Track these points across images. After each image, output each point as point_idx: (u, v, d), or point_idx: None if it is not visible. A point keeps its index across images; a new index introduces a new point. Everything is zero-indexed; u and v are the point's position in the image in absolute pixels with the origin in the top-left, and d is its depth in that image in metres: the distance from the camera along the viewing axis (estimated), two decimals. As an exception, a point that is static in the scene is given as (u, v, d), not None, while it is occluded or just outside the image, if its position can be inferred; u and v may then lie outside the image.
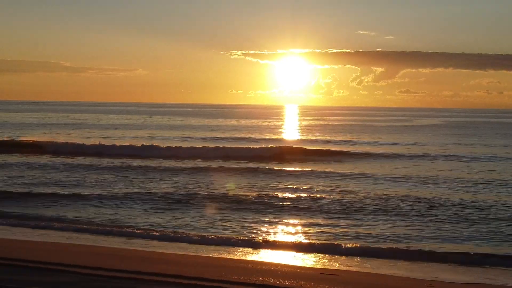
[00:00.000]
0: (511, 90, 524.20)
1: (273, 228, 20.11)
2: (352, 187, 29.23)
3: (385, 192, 27.59)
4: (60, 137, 57.94)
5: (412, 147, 54.48)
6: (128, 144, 48.09)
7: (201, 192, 26.21)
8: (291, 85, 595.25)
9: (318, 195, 26.29)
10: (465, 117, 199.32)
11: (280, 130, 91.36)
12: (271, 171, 34.41)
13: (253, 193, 26.08)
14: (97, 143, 47.75)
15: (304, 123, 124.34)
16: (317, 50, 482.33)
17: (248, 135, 75.37)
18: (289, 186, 28.69)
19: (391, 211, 22.96)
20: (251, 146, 46.96)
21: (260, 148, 45.33)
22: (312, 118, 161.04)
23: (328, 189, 28.51)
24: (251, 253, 16.91)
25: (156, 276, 12.43)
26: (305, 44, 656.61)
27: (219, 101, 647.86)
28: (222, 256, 16.34)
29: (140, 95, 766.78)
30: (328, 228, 19.93)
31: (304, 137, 68.18)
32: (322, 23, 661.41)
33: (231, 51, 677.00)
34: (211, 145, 50.10)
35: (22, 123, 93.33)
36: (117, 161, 39.09)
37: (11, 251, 14.61)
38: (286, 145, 50.03)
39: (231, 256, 16.33)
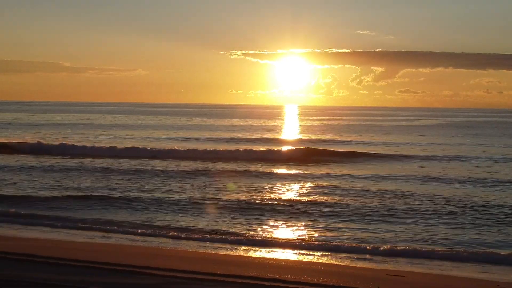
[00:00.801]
0: (511, 89, 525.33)
1: (332, 231, 20.03)
2: (391, 188, 29.03)
3: (428, 193, 27.63)
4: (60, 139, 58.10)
5: (429, 148, 54.62)
6: (153, 146, 48.23)
7: (257, 197, 25.85)
8: (291, 85, 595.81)
9: (362, 198, 26.29)
10: (467, 116, 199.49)
11: (291, 130, 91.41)
12: (311, 176, 33.70)
13: (304, 198, 25.85)
14: (109, 146, 47.55)
15: (310, 123, 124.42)
16: (317, 50, 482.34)
17: (259, 135, 75.52)
18: (331, 191, 28.18)
19: (440, 213, 23.02)
20: (281, 149, 46.23)
21: (289, 150, 44.86)
22: (317, 118, 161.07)
23: (366, 190, 28.46)
24: (315, 256, 17.02)
25: (235, 277, 12.55)
26: (305, 44, 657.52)
27: (219, 101, 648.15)
28: (294, 259, 16.59)
29: (140, 95, 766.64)
30: (387, 232, 19.89)
31: (318, 138, 68.13)
32: (322, 23, 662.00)
33: (231, 51, 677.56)
34: (227, 146, 50.24)
35: (25, 124, 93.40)
36: (163, 164, 38.52)
37: (94, 254, 14.75)
38: (309, 146, 49.41)
39: (300, 259, 16.52)
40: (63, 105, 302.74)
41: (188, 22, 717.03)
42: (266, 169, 36.62)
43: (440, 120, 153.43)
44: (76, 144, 48.81)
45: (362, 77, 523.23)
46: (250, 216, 21.90)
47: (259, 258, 16.04)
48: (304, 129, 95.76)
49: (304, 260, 16.33)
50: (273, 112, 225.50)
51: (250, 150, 45.07)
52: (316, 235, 19.26)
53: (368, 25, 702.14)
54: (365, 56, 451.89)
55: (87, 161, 40.02)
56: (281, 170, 36.72)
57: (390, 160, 42.23)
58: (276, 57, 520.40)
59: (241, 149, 46.03)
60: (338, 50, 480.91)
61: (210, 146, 51.16)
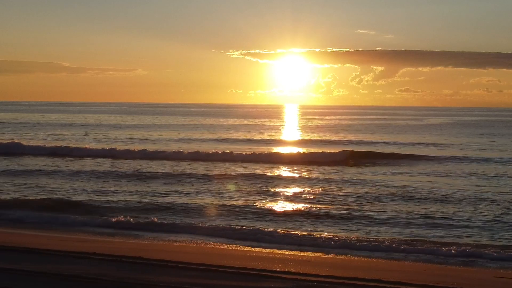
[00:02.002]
0: (511, 88, 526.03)
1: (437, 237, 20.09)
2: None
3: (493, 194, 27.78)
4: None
5: (455, 149, 54.80)
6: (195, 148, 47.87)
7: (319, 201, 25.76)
8: (291, 84, 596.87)
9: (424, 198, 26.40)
10: (471, 115, 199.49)
11: (304, 131, 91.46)
12: (373, 179, 32.95)
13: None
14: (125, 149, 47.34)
15: (320, 123, 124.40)
16: (317, 50, 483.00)
17: (278, 136, 75.86)
18: (388, 192, 28.01)
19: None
20: (324, 151, 45.23)
21: (334, 153, 43.90)
22: (324, 118, 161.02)
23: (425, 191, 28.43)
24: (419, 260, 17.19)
25: (376, 282, 12.74)
26: (304, 43, 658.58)
27: (219, 100, 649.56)
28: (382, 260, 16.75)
29: (140, 95, 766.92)
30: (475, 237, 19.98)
31: (339, 139, 67.93)
32: (321, 22, 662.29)
33: (230, 51, 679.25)
34: (248, 147, 50.32)
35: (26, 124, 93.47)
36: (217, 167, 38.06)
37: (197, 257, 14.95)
38: (347, 148, 48.52)
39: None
40: (61, 105, 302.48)
41: (187, 22, 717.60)
42: (324, 173, 35.69)
43: (447, 119, 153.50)
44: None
45: (362, 76, 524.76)
46: (350, 223, 21.62)
47: (382, 262, 16.21)
48: (318, 129, 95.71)
49: (418, 263, 16.47)
50: (276, 112, 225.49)
51: (294, 154, 44.53)
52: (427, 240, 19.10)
53: (368, 24, 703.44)
54: (365, 55, 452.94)
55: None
56: (340, 173, 35.72)
57: (433, 161, 41.64)
58: (276, 56, 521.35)
59: (286, 152, 45.56)
60: (338, 49, 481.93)
61: (241, 148, 51.28)
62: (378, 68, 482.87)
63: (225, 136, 72.90)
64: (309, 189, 29.00)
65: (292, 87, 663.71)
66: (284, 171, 36.59)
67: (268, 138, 70.89)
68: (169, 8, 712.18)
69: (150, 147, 51.27)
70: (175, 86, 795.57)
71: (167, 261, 14.05)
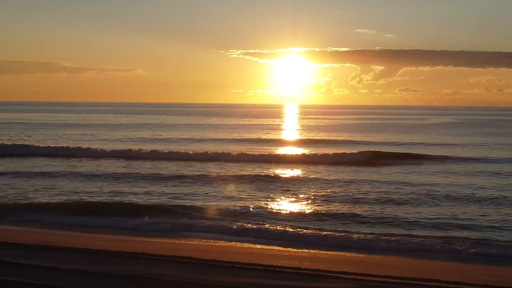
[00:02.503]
0: (511, 87, 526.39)
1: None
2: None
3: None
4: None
5: (467, 148, 54.74)
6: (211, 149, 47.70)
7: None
8: (291, 84, 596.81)
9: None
10: (473, 115, 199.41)
11: (312, 131, 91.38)
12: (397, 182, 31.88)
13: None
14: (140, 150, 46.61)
15: (325, 122, 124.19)
16: (317, 49, 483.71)
17: (286, 136, 75.83)
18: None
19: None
20: (346, 152, 44.65)
21: (351, 154, 43.49)
22: (328, 117, 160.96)
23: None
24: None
25: (409, 280, 12.72)
26: (304, 43, 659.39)
27: (219, 100, 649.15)
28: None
29: (140, 95, 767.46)
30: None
31: (348, 139, 67.58)
32: (321, 22, 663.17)
33: (230, 51, 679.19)
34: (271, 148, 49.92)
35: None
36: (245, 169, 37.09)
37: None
38: (373, 149, 47.80)
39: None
40: (64, 105, 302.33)
41: (187, 22, 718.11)
42: (348, 174, 35.11)
43: (450, 119, 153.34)
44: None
45: (362, 76, 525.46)
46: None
47: (437, 263, 16.17)
48: (325, 129, 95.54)
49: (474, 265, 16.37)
50: (279, 112, 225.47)
51: (316, 155, 43.74)
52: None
53: (368, 24, 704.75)
54: (364, 55, 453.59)
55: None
56: (365, 174, 35.16)
57: (456, 162, 41.23)
58: (276, 56, 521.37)
59: (309, 153, 44.92)
60: (337, 49, 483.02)
61: (257, 149, 51.15)
62: (378, 68, 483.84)
63: (235, 136, 72.79)
64: (337, 190, 28.62)
65: (292, 87, 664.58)
66: (308, 172, 35.80)
67: (280, 138, 70.40)
68: (169, 8, 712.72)
69: (171, 147, 51.12)
70: (175, 86, 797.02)
71: (222, 261, 14.03)
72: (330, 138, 68.18)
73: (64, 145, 49.41)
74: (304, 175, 34.44)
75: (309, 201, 25.68)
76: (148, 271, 12.62)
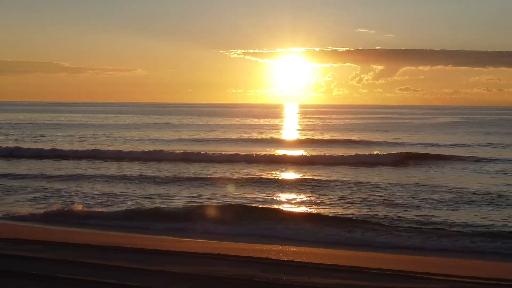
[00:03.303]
0: (511, 87, 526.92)
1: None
2: None
3: None
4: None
5: (489, 149, 54.52)
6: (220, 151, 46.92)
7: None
8: (291, 83, 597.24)
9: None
10: (477, 114, 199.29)
11: (322, 131, 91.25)
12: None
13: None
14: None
15: (332, 122, 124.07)
16: (317, 49, 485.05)
17: (304, 136, 75.78)
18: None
19: None
20: (378, 153, 43.68)
21: (385, 155, 42.71)
22: (332, 117, 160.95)
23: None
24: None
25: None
26: (304, 42, 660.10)
27: (219, 100, 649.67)
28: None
29: (140, 95, 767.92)
30: None
31: (364, 139, 66.94)
32: (321, 21, 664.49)
33: (230, 50, 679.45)
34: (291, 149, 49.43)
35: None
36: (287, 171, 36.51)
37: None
38: (405, 150, 46.86)
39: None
40: (66, 105, 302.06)
41: (187, 22, 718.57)
42: (387, 175, 34.50)
43: (456, 118, 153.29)
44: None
45: (362, 76, 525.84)
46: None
47: None
48: (337, 129, 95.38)
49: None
50: (287, 111, 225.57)
51: (357, 155, 42.80)
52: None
53: (368, 24, 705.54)
54: (364, 55, 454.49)
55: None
56: (405, 175, 34.54)
57: (490, 163, 40.81)
58: (276, 56, 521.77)
59: (342, 154, 43.96)
60: (337, 48, 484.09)
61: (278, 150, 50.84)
62: (378, 67, 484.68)
63: (260, 136, 72.89)
64: (384, 193, 28.06)
65: (292, 87, 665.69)
66: (347, 174, 34.98)
67: (303, 138, 69.65)
68: (169, 8, 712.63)
69: (201, 148, 51.06)
70: (175, 86, 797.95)
71: (302, 262, 13.96)
72: (346, 138, 67.22)
73: (105, 148, 48.74)
74: (356, 179, 32.91)
75: (378, 205, 24.89)
76: (238, 272, 12.54)
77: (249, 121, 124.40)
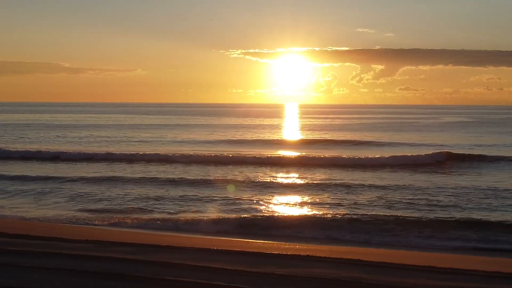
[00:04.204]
0: (511, 86, 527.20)
1: None
2: None
3: None
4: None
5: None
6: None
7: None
8: (291, 83, 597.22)
9: None
10: (481, 113, 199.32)
11: (334, 131, 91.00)
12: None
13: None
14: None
15: (339, 122, 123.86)
16: (317, 48, 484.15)
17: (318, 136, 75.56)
18: None
19: None
20: (413, 154, 42.70)
21: (425, 155, 41.41)
22: (338, 116, 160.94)
23: None
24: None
25: None
26: (304, 42, 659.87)
27: (219, 100, 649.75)
28: None
29: (140, 95, 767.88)
30: None
31: (384, 140, 65.80)
32: (321, 21, 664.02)
33: (230, 50, 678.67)
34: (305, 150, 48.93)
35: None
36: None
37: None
38: (446, 150, 44.97)
39: None
40: (70, 106, 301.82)
41: (187, 22, 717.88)
42: (437, 177, 33.40)
43: (462, 118, 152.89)
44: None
45: (362, 75, 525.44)
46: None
47: None
48: (350, 129, 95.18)
49: None
50: (282, 111, 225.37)
51: (390, 157, 41.44)
52: None
53: (368, 23, 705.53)
54: (365, 54, 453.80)
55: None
56: (458, 177, 33.41)
57: None
58: (276, 55, 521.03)
59: (386, 156, 42.39)
60: (337, 48, 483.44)
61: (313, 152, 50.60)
62: (378, 67, 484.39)
63: (268, 136, 72.61)
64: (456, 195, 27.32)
65: (292, 86, 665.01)
66: (390, 176, 33.90)
67: (320, 138, 69.12)
68: (169, 8, 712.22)
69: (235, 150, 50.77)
70: (175, 86, 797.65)
71: (390, 263, 13.76)
72: (365, 140, 65.74)
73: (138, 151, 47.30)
74: (400, 181, 31.98)
75: (442, 209, 24.19)
76: (347, 274, 12.34)
77: (260, 121, 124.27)
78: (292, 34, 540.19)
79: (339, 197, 26.91)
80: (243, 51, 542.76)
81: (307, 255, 14.14)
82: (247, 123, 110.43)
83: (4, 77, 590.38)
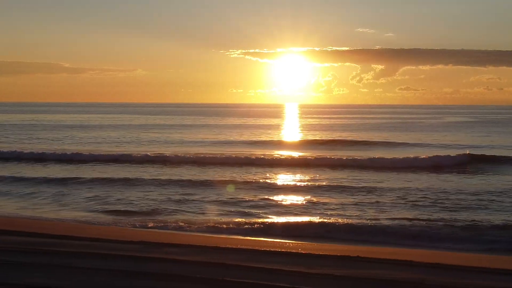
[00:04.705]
0: (511, 86, 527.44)
1: None
2: None
3: None
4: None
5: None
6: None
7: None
8: (291, 83, 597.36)
9: None
10: (483, 114, 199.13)
11: (345, 131, 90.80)
12: None
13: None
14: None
15: (344, 122, 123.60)
16: (317, 48, 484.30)
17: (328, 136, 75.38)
18: None
19: None
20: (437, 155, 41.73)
21: (448, 157, 40.52)
22: (343, 116, 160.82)
23: None
24: None
25: None
26: (304, 42, 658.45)
27: (220, 100, 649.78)
28: None
29: (140, 95, 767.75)
30: None
31: (394, 140, 65.45)
32: (321, 21, 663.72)
33: (230, 50, 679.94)
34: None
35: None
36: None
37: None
38: (469, 152, 43.58)
39: None
40: (72, 106, 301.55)
41: (187, 22, 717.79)
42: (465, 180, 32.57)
43: (465, 118, 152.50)
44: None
45: (362, 75, 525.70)
46: None
47: None
48: (356, 129, 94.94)
49: None
50: (289, 111, 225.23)
51: (417, 159, 40.31)
52: None
53: (368, 23, 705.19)
54: (365, 54, 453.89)
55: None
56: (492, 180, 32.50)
57: None
58: (276, 55, 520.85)
59: (407, 157, 41.28)
60: (338, 48, 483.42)
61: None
62: (378, 67, 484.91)
63: (279, 137, 72.39)
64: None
65: (292, 86, 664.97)
66: (421, 178, 33.00)
67: (333, 139, 67.75)
68: (169, 8, 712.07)
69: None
70: (175, 86, 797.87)
71: (442, 264, 13.67)
72: (374, 140, 64.51)
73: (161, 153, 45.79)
74: (431, 183, 31.16)
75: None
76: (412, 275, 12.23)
77: (266, 121, 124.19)
78: (292, 34, 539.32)
79: (380, 200, 26.29)
80: (243, 51, 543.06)
81: (357, 256, 14.04)
82: (262, 123, 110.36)
83: (4, 77, 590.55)
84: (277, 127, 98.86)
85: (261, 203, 25.39)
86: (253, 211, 23.67)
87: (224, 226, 20.51)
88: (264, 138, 68.42)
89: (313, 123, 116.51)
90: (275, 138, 68.94)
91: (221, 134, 75.31)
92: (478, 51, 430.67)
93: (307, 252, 14.43)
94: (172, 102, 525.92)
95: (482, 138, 68.23)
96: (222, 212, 23.40)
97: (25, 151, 45.71)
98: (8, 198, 26.92)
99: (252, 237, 18.62)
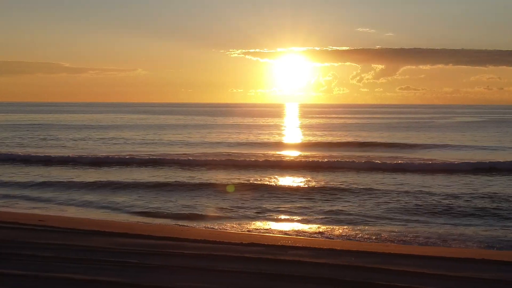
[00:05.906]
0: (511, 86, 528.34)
1: None
2: None
3: None
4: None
5: None
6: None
7: None
8: (291, 83, 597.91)
9: None
10: (486, 113, 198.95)
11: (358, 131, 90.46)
12: None
13: None
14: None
15: (353, 121, 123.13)
16: (317, 48, 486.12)
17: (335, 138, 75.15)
18: None
19: None
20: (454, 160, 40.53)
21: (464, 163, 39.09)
22: (347, 116, 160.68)
23: None
24: None
25: None
26: (305, 42, 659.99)
27: (220, 100, 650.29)
28: None
29: (140, 95, 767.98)
30: None
31: (407, 142, 63.82)
32: (321, 20, 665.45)
33: (231, 50, 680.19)
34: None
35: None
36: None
37: None
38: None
39: None
40: (74, 106, 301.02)
41: (188, 22, 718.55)
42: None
43: (471, 117, 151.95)
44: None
45: (363, 75, 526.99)
46: None
47: None
48: (361, 129, 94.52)
49: None
50: (286, 111, 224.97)
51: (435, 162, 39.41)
52: None
53: (368, 23, 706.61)
54: (365, 54, 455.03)
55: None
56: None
57: None
58: (276, 55, 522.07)
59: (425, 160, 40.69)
60: (338, 48, 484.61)
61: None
62: (379, 67, 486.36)
63: (322, 138, 72.10)
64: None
65: (292, 86, 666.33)
66: (474, 182, 31.53)
67: (345, 140, 67.42)
68: (169, 8, 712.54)
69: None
70: (175, 86, 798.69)
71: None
72: (384, 141, 61.92)
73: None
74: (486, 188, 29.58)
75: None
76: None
77: (274, 121, 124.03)
78: (292, 34, 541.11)
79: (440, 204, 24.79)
80: (244, 51, 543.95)
81: (482, 259, 13.92)
82: (273, 123, 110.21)
83: (4, 77, 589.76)
84: (315, 127, 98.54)
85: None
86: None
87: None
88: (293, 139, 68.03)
89: (331, 122, 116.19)
90: (297, 139, 68.64)
91: (232, 134, 74.50)
92: (478, 50, 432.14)
93: (449, 256, 14.26)
94: (173, 102, 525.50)
95: (501, 139, 67.46)
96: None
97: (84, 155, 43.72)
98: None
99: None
